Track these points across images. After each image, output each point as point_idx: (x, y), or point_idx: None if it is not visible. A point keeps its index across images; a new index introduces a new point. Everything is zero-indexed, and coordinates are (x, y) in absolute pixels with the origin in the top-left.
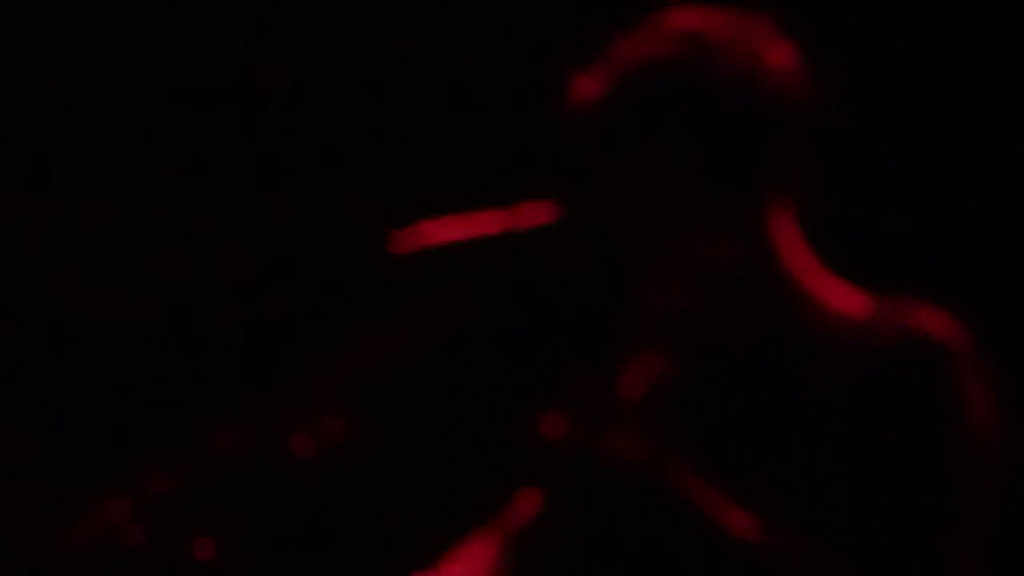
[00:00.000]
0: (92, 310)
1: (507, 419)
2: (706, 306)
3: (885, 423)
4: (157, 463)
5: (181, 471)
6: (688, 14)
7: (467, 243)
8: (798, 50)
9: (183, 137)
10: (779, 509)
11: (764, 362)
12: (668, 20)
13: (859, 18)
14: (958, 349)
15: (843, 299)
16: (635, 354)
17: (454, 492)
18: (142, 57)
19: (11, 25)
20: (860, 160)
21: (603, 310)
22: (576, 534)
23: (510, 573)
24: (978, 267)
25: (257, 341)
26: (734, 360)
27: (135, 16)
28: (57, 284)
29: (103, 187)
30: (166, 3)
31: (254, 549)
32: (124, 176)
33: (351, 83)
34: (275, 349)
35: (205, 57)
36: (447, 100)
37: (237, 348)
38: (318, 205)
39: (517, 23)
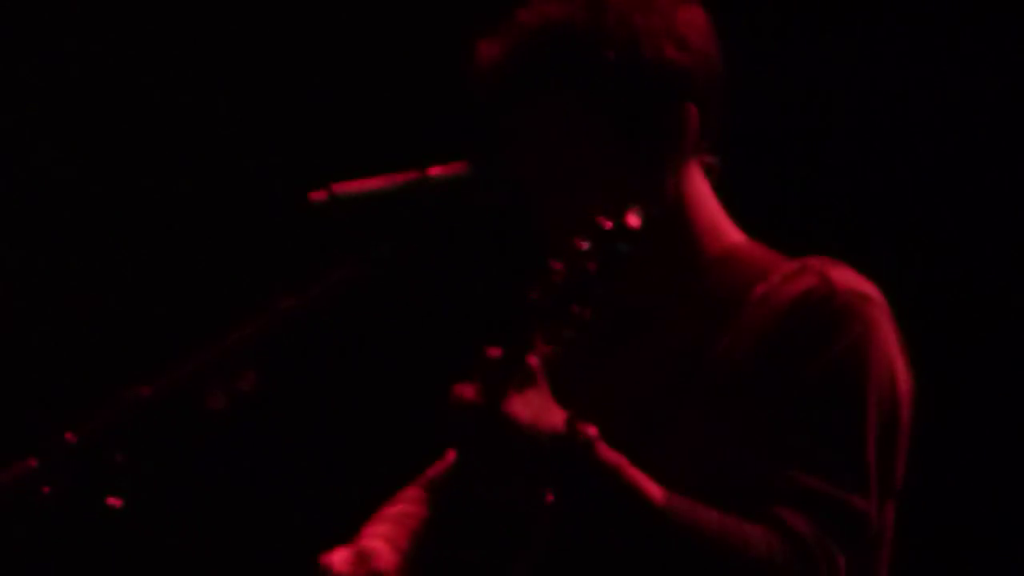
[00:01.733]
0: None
1: (420, 377)
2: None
3: (772, 365)
4: (72, 419)
5: (95, 426)
6: None
7: (378, 193)
8: (704, 12)
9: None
10: (682, 463)
11: (668, 318)
12: None
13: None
14: (854, 302)
15: (751, 255)
16: (544, 313)
17: (368, 449)
18: None
19: None
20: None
21: (513, 269)
22: (486, 493)
23: (426, 533)
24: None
25: (174, 299)
26: (639, 316)
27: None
28: None
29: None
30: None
31: (166, 502)
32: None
33: (263, 47)
34: (193, 307)
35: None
36: (357, 69)
37: (155, 305)
38: (235, 167)
39: None
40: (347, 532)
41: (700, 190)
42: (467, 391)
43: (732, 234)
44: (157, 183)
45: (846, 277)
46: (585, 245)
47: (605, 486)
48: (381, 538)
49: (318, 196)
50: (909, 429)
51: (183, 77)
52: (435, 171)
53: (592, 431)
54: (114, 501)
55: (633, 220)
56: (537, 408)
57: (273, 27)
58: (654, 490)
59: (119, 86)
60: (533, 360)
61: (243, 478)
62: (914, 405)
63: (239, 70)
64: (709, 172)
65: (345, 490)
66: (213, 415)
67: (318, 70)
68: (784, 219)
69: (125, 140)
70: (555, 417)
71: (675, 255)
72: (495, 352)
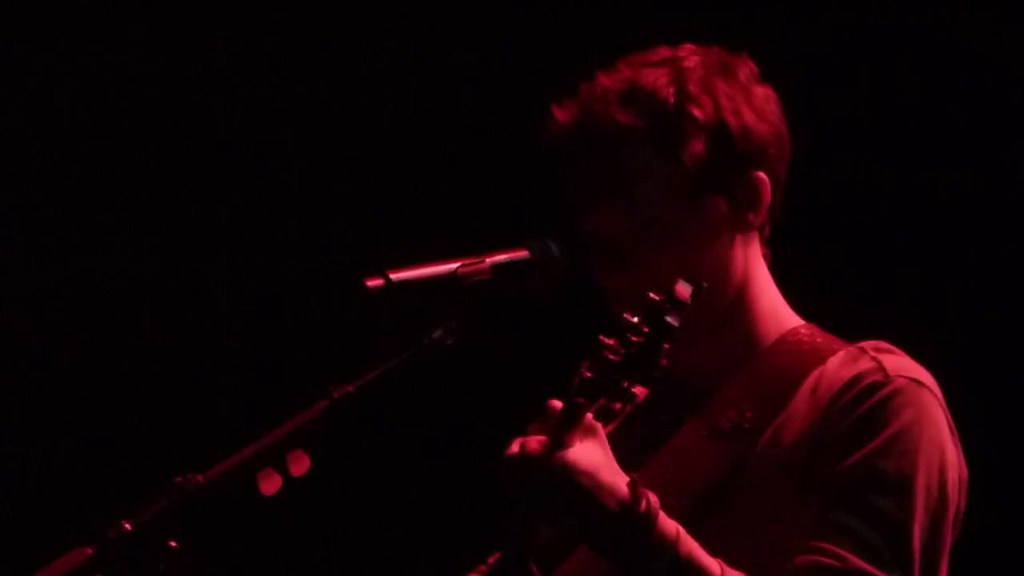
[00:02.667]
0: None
1: (476, 461)
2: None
3: (824, 448)
4: (127, 507)
5: (150, 513)
6: (666, 48)
7: (434, 278)
8: (774, 92)
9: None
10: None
11: (723, 399)
12: (644, 54)
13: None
14: (907, 389)
15: (808, 340)
16: (596, 388)
17: (424, 534)
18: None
19: None
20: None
21: (566, 351)
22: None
23: None
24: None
25: (229, 387)
26: (695, 395)
27: None
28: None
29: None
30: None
31: None
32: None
33: (316, 129)
34: (248, 394)
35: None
36: (412, 151)
37: (210, 393)
38: (289, 253)
39: (492, 61)
40: None
41: (763, 273)
42: (527, 441)
43: (790, 319)
44: (213, 269)
45: (900, 363)
46: (635, 319)
47: (666, 554)
48: None
49: (374, 282)
50: (958, 517)
51: (241, 162)
52: (493, 256)
53: (654, 498)
54: None
55: (682, 290)
56: (599, 462)
57: (325, 107)
58: (711, 563)
59: (172, 166)
60: (591, 418)
61: (297, 563)
62: (966, 492)
63: (297, 155)
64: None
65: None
66: (266, 500)
67: (373, 153)
68: (841, 303)
69: (180, 221)
70: (617, 476)
71: (735, 337)
72: (557, 404)
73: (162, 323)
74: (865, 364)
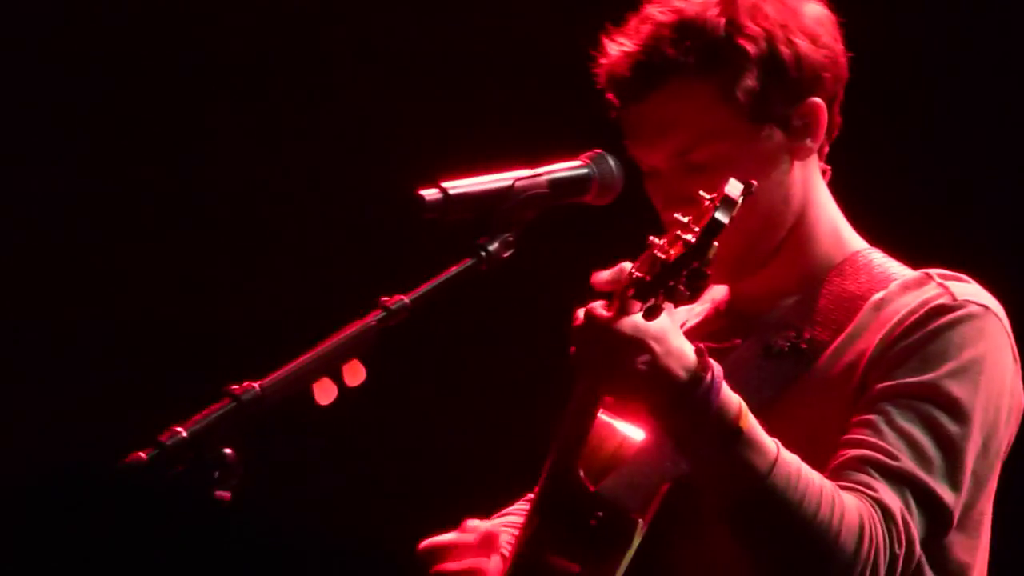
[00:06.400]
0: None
1: (529, 373)
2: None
3: (887, 366)
4: (183, 414)
5: (206, 420)
6: None
7: (489, 189)
8: (830, 11)
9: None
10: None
11: (785, 320)
12: None
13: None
14: (975, 315)
15: (870, 263)
16: (644, 286)
17: (479, 445)
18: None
19: None
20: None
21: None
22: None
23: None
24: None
25: (285, 296)
26: (756, 320)
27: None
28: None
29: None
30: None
31: (275, 493)
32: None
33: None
34: (304, 304)
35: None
36: (467, 63)
37: (266, 303)
38: (345, 163)
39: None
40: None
41: (823, 195)
42: (594, 307)
43: (854, 241)
44: (268, 182)
45: (968, 289)
46: (686, 218)
47: (727, 424)
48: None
49: (431, 194)
50: (1009, 444)
51: (296, 75)
52: (550, 169)
53: (719, 369)
54: (223, 495)
55: (732, 189)
56: (667, 327)
57: (380, 21)
58: (768, 441)
59: (230, 76)
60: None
61: (351, 472)
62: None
63: (349, 66)
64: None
65: (455, 487)
66: (322, 410)
67: (428, 65)
68: (906, 226)
69: (236, 137)
70: (684, 342)
71: (796, 262)
72: (627, 266)
73: (219, 232)
74: (932, 289)
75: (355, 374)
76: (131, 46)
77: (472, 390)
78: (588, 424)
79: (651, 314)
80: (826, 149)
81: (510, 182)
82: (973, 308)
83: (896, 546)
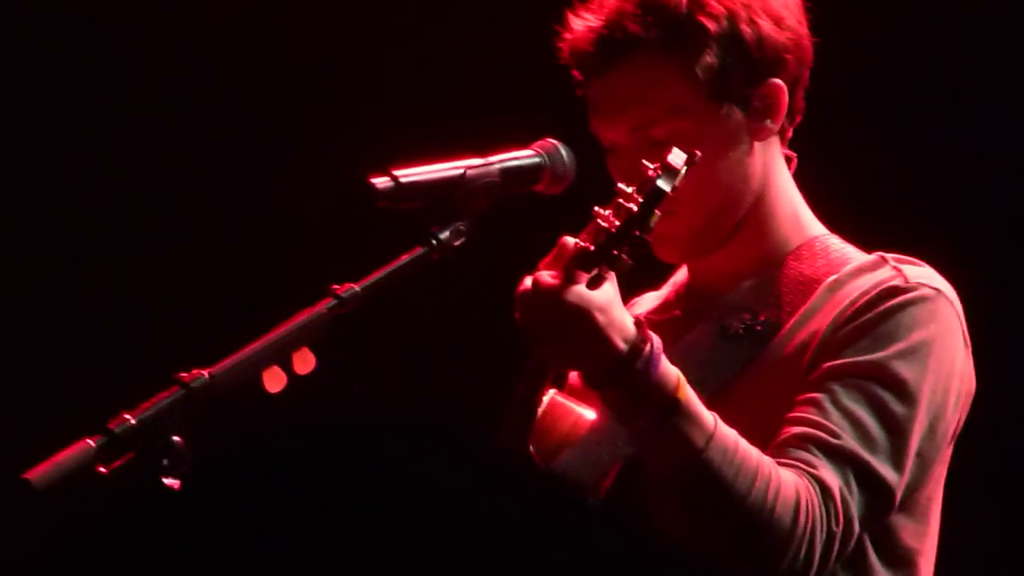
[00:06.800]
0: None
1: (477, 360)
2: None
3: (838, 346)
4: (131, 401)
5: (154, 407)
6: None
7: (440, 177)
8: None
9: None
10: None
11: (740, 303)
12: None
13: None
14: (927, 298)
15: (827, 247)
16: (588, 256)
17: (429, 434)
18: None
19: None
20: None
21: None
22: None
23: None
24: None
25: (236, 283)
26: (713, 302)
27: None
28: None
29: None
30: None
31: (225, 482)
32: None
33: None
34: (254, 291)
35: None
36: (419, 51)
37: (217, 289)
38: (296, 152)
39: None
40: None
41: (784, 179)
42: (540, 276)
43: (813, 226)
44: (222, 168)
45: (921, 272)
46: (629, 188)
47: (665, 396)
48: None
49: (381, 181)
50: (958, 428)
51: (248, 65)
52: (502, 158)
53: (658, 342)
54: (171, 483)
55: (674, 158)
56: (611, 299)
57: (330, 10)
58: (706, 414)
59: (186, 69)
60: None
61: (300, 461)
62: (973, 403)
63: (302, 53)
64: (787, 164)
65: (401, 472)
66: (271, 397)
67: (380, 53)
68: (863, 213)
69: (186, 126)
70: (626, 315)
71: (753, 244)
72: (569, 240)
73: (169, 221)
74: (886, 271)
75: (305, 362)
76: (65, 40)
77: (423, 378)
78: (537, 396)
79: (595, 283)
80: (789, 133)
81: (461, 170)
82: (925, 291)
83: (833, 523)
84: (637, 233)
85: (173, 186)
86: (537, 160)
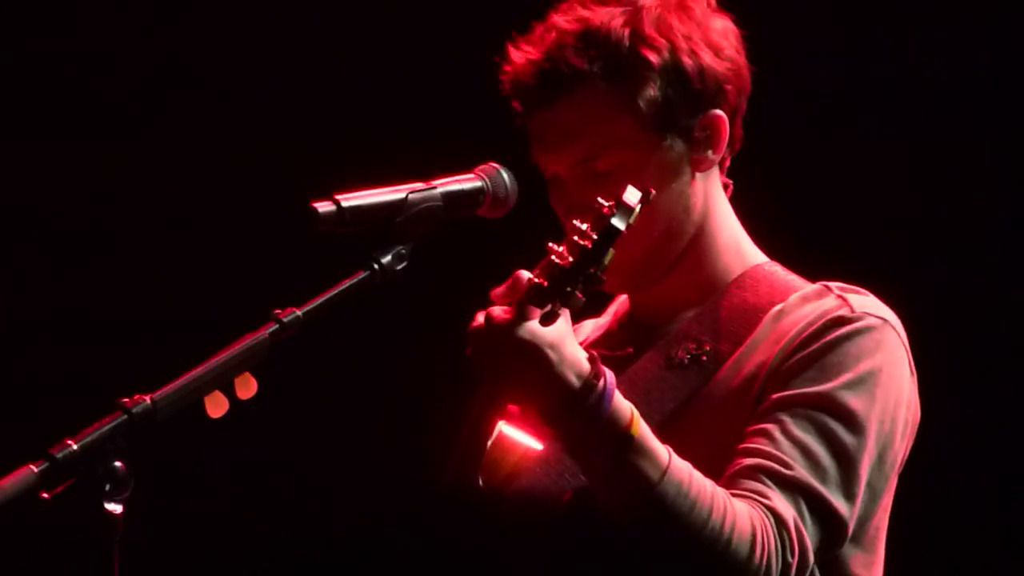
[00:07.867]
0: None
1: (421, 384)
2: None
3: (785, 376)
4: (73, 426)
5: (96, 432)
6: None
7: (382, 202)
8: (735, 25)
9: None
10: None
11: (684, 334)
12: None
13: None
14: (872, 327)
15: (770, 276)
16: (542, 292)
17: (370, 456)
18: None
19: None
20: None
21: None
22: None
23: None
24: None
25: (176, 307)
26: (656, 332)
27: None
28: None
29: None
30: None
31: (166, 509)
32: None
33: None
34: (195, 315)
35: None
36: (360, 76)
37: (157, 314)
38: (237, 175)
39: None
40: (349, 535)
41: (724, 208)
42: (493, 311)
43: (754, 255)
44: (159, 192)
45: (866, 302)
46: (584, 225)
47: (618, 432)
48: None
49: (323, 206)
50: (904, 457)
51: (188, 82)
52: (444, 182)
53: (611, 377)
54: (113, 508)
55: (629, 196)
56: (564, 333)
57: (278, 31)
58: (660, 448)
59: (122, 85)
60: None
61: (244, 484)
62: (918, 432)
63: (243, 76)
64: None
65: (346, 496)
66: (213, 422)
67: (324, 77)
68: (803, 240)
69: (128, 146)
70: (579, 350)
71: (696, 273)
72: (523, 275)
73: (108, 242)
74: (831, 301)
75: (247, 387)
76: None
77: (361, 404)
78: (486, 429)
79: (548, 319)
80: (727, 163)
81: (404, 194)
82: (871, 320)
83: (789, 554)
84: (592, 270)
85: (112, 212)
86: (479, 184)
